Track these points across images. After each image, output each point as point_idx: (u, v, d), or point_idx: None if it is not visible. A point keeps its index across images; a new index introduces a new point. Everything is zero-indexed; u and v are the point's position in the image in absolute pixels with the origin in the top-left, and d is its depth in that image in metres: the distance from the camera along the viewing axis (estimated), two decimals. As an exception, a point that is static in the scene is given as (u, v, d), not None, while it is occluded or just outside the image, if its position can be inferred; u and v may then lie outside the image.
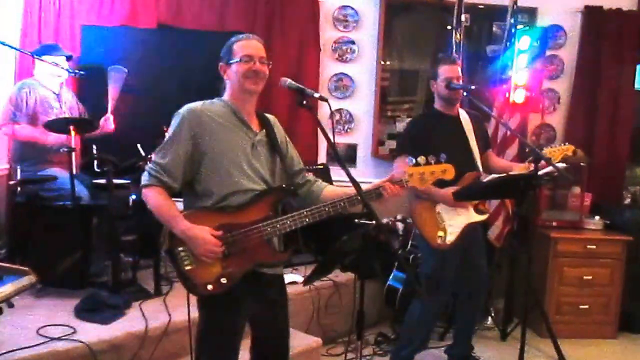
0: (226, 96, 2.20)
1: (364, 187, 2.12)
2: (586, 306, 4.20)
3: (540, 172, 2.89)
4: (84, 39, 4.25)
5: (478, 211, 3.23)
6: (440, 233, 3.16)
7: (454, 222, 3.17)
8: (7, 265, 2.26)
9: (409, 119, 4.64)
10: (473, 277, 3.36)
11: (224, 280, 2.06)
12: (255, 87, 2.15)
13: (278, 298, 2.29)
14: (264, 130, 2.22)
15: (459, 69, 3.22)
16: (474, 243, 3.31)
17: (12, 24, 4.19)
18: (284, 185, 2.22)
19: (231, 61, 2.14)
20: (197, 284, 2.06)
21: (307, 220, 2.11)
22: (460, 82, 3.18)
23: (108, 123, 3.73)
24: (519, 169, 3.16)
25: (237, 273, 2.08)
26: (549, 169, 2.95)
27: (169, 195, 2.09)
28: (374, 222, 2.25)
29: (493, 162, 3.44)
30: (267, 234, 2.10)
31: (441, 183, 2.97)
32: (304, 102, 2.15)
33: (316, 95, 2.15)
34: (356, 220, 2.42)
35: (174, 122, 2.11)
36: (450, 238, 3.17)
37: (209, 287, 2.06)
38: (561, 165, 3.00)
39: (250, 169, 2.13)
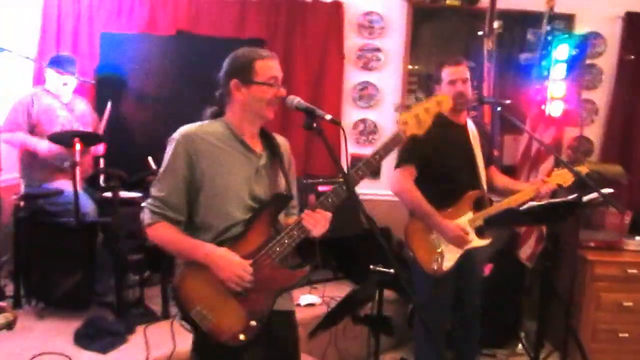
0: (228, 115, 1.87)
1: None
2: (626, 334, 3.75)
3: (585, 199, 2.47)
4: (102, 46, 4.02)
5: (480, 235, 2.76)
6: (436, 257, 2.72)
7: (453, 246, 2.72)
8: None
9: None
10: (463, 312, 2.90)
11: (254, 323, 1.76)
12: (272, 116, 1.85)
13: (288, 338, 1.96)
14: (268, 152, 1.90)
15: (467, 71, 2.77)
16: (469, 275, 2.82)
17: (30, 32, 3.97)
18: (277, 194, 1.88)
19: (253, 81, 1.81)
20: (227, 338, 1.75)
21: None
22: (468, 84, 2.73)
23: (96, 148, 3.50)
24: (524, 188, 2.77)
25: (265, 309, 1.78)
26: (594, 195, 2.52)
27: (178, 228, 1.79)
28: (392, 270, 1.88)
29: (495, 180, 2.97)
30: (277, 254, 1.79)
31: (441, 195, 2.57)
32: (314, 125, 1.78)
33: (327, 117, 1.79)
34: (371, 267, 2.06)
35: (169, 149, 1.81)
36: (447, 264, 2.71)
37: (241, 337, 1.75)
38: (607, 191, 2.57)
39: (251, 199, 1.82)
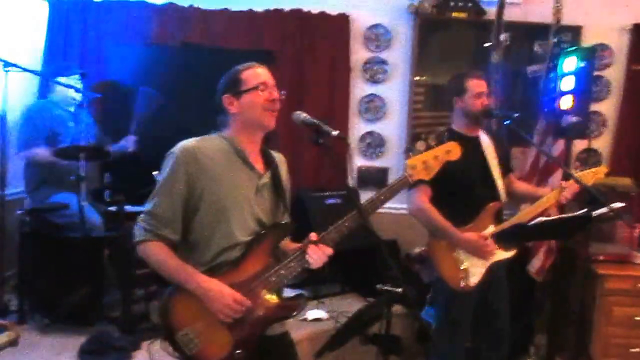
0: (228, 131, 1.81)
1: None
2: (637, 349, 3.66)
3: (595, 214, 2.42)
4: (109, 57, 3.98)
5: (504, 247, 2.70)
6: (462, 274, 2.67)
7: (477, 260, 2.67)
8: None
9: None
10: (492, 324, 2.83)
11: (239, 353, 1.69)
12: (272, 123, 1.79)
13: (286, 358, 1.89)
14: (269, 172, 1.84)
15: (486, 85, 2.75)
16: (494, 285, 2.76)
17: (33, 44, 3.96)
18: (279, 223, 1.82)
19: (242, 91, 1.76)
20: None
21: None
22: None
23: (129, 143, 3.46)
24: (545, 193, 2.73)
25: (252, 338, 1.71)
26: (604, 209, 2.47)
27: (170, 249, 1.71)
28: (400, 289, 1.84)
29: (515, 187, 2.94)
30: (273, 284, 1.73)
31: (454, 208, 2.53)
32: (320, 141, 1.74)
33: (334, 133, 1.74)
34: (378, 286, 2.01)
35: (167, 164, 1.74)
36: (474, 280, 2.66)
37: None
38: (618, 205, 2.52)
39: (251, 219, 1.76)
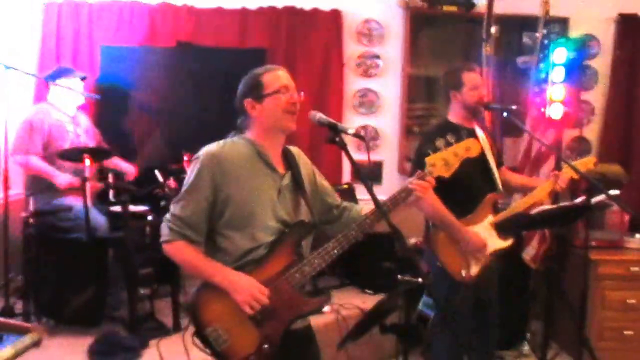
0: (250, 134, 1.83)
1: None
2: (631, 332, 3.75)
3: (593, 201, 2.47)
4: (103, 60, 3.99)
5: (502, 237, 2.76)
6: (464, 264, 2.71)
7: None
8: (8, 321, 1.92)
9: (422, 133, 4.15)
10: (484, 314, 2.89)
11: (266, 347, 1.72)
12: (293, 126, 1.81)
13: (310, 355, 1.93)
14: (290, 172, 1.86)
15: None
16: (487, 275, 2.80)
17: (29, 47, 3.93)
18: (302, 220, 1.84)
19: (264, 95, 1.77)
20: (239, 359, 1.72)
21: (336, 252, 1.77)
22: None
23: (130, 170, 3.49)
24: (539, 184, 2.79)
25: (278, 334, 1.74)
26: (601, 197, 2.53)
27: (196, 248, 1.76)
28: (419, 279, 1.87)
29: (510, 179, 2.99)
30: (297, 281, 1.75)
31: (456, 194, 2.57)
32: (337, 139, 1.76)
33: (350, 131, 1.77)
34: (399, 277, 2.04)
35: (193, 169, 1.77)
36: (475, 269, 2.72)
37: (252, 359, 1.72)
38: (614, 192, 2.58)
39: (275, 221, 1.78)
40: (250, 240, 1.76)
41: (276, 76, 1.80)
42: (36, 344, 1.84)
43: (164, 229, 1.78)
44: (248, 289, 1.70)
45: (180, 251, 1.76)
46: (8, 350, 1.76)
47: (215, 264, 1.74)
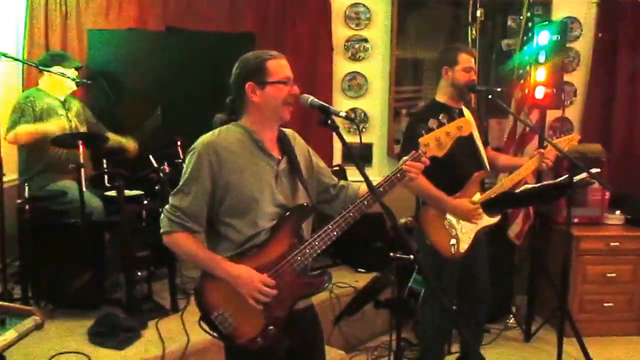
0: (244, 119, 1.84)
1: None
2: (610, 304, 3.90)
3: (575, 179, 2.55)
4: (90, 44, 3.92)
5: (489, 214, 2.84)
6: (453, 241, 2.79)
7: (466, 227, 2.81)
8: (10, 305, 1.94)
9: (411, 114, 4.18)
10: (473, 289, 2.99)
11: (271, 329, 1.76)
12: (288, 116, 1.82)
13: (314, 334, 1.98)
14: (286, 156, 1.87)
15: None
16: (476, 251, 2.89)
17: (15, 32, 3.86)
18: (302, 204, 1.86)
19: (267, 82, 1.77)
20: (246, 342, 1.76)
21: (336, 233, 1.79)
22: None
23: (130, 148, 3.49)
24: (523, 163, 2.85)
25: (282, 315, 1.78)
26: (583, 175, 2.60)
27: (197, 239, 1.78)
28: (411, 256, 1.93)
29: (495, 159, 3.07)
30: (299, 263, 1.78)
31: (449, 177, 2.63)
32: (329, 121, 1.78)
33: (342, 114, 1.79)
34: (391, 254, 2.10)
35: (190, 160, 1.77)
36: (464, 245, 2.81)
37: (259, 340, 1.76)
38: (595, 170, 2.66)
39: (274, 205, 1.80)
40: (252, 226, 1.77)
41: (281, 65, 1.80)
42: (38, 326, 1.85)
43: (164, 220, 1.78)
44: (252, 283, 1.71)
45: (180, 243, 1.77)
46: (11, 332, 1.77)
47: (215, 257, 1.75)
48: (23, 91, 3.63)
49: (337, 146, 4.32)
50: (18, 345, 2.27)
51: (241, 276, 1.72)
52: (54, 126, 3.13)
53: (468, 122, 1.88)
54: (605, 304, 3.89)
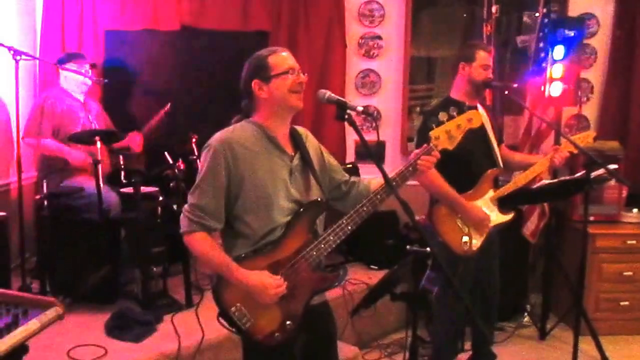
0: (257, 117, 1.86)
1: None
2: (626, 302, 3.86)
3: (593, 175, 2.54)
4: (107, 44, 3.99)
5: (503, 211, 2.85)
6: (465, 238, 2.79)
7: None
8: (32, 296, 1.99)
9: (425, 111, 4.19)
10: (484, 281, 3.01)
11: (289, 324, 1.79)
12: (300, 104, 1.84)
13: (329, 329, 2.02)
14: (299, 152, 1.89)
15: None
16: (488, 252, 2.90)
17: (32, 33, 3.92)
18: (316, 200, 1.88)
19: (271, 76, 1.80)
20: (263, 337, 1.79)
21: (350, 227, 1.82)
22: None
23: (134, 141, 3.49)
24: (538, 160, 2.85)
25: (299, 310, 1.81)
26: (600, 171, 2.59)
27: (214, 241, 1.80)
28: (427, 249, 1.94)
29: (510, 156, 3.07)
30: (314, 258, 1.81)
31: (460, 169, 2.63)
32: (346, 117, 1.80)
33: (359, 109, 1.81)
34: (408, 247, 2.12)
35: (206, 157, 1.80)
36: (477, 243, 2.81)
37: (277, 335, 1.79)
38: (613, 166, 2.64)
39: (289, 201, 1.83)
40: (267, 222, 1.79)
41: (282, 58, 1.83)
42: (60, 317, 1.90)
43: (183, 220, 1.80)
44: (265, 290, 1.74)
45: (198, 243, 1.78)
46: (34, 322, 1.82)
47: (230, 265, 1.76)
48: (38, 91, 3.71)
49: (351, 144, 4.33)
50: (37, 338, 2.33)
51: (255, 285, 1.75)
52: (78, 160, 3.18)
53: (478, 114, 1.89)
54: (622, 303, 3.86)
